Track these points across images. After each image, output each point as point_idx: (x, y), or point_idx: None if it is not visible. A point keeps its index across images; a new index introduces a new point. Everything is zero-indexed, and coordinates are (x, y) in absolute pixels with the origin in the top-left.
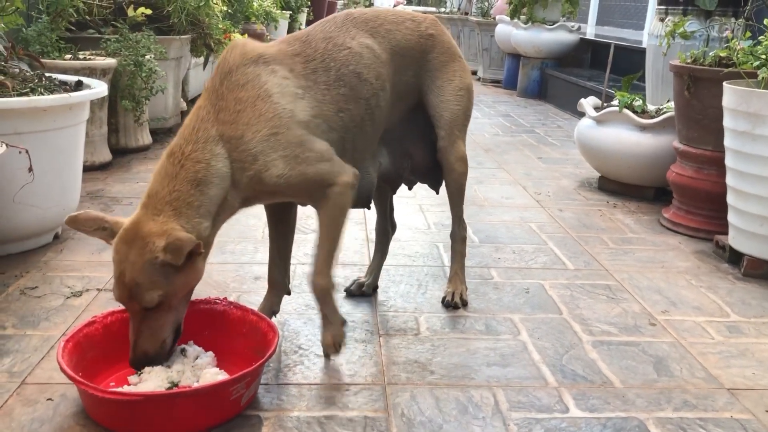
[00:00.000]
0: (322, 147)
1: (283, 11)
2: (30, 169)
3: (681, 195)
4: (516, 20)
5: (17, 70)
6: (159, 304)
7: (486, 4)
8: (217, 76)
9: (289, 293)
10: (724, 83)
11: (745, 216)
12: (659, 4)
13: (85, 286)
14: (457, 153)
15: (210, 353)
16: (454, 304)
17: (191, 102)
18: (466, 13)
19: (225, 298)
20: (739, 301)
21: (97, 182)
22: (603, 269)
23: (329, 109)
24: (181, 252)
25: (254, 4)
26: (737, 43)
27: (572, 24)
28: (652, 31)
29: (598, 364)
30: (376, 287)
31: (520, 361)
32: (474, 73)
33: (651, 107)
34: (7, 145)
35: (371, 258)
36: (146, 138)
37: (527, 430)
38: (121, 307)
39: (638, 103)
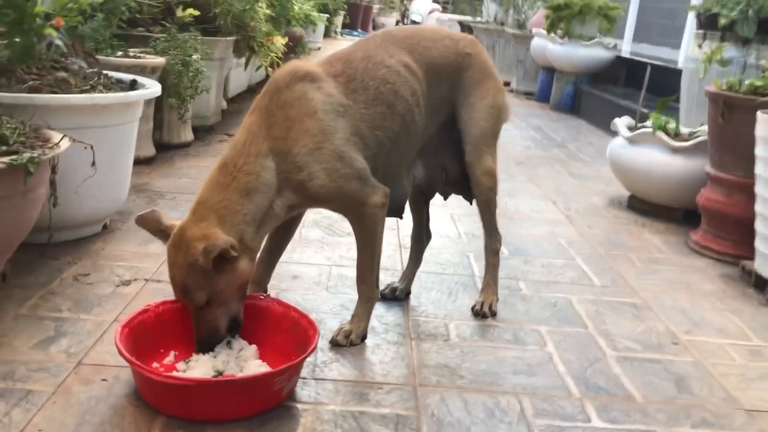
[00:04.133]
0: (359, 165)
1: (321, 14)
2: (93, 164)
3: (710, 219)
4: (552, 35)
5: (77, 67)
6: (208, 302)
7: (523, 16)
8: (267, 94)
9: (265, 291)
10: (758, 112)
11: None
12: (698, 28)
13: (134, 275)
14: (484, 167)
15: (253, 346)
16: (483, 313)
17: (232, 101)
18: (502, 24)
19: (268, 294)
20: (762, 326)
21: (141, 176)
22: (629, 287)
23: (366, 127)
24: (209, 256)
25: (295, 7)
26: None
27: (609, 41)
28: (689, 54)
29: (621, 378)
30: (409, 293)
31: (545, 372)
32: (507, 84)
33: (684, 130)
34: (73, 139)
35: (405, 264)
36: (189, 135)
37: None
38: (172, 297)
39: (672, 125)
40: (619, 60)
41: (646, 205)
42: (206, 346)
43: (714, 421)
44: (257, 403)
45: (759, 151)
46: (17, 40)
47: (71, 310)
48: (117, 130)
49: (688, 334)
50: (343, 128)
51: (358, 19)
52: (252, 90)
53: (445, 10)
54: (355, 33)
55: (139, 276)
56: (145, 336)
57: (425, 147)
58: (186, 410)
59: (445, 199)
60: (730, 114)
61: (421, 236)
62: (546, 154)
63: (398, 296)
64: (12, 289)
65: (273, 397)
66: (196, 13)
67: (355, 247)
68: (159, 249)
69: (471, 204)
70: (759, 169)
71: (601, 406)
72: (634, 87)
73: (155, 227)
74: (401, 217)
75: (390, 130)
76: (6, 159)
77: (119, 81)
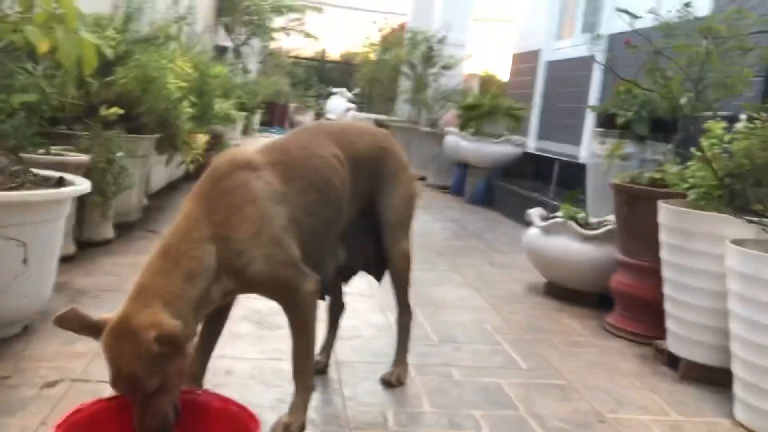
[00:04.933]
0: (294, 252)
1: (240, 112)
2: (25, 261)
3: (622, 302)
4: (464, 132)
5: (1, 165)
6: (157, 391)
7: (434, 115)
8: (208, 182)
9: (201, 386)
10: (659, 202)
11: (682, 323)
12: (597, 126)
13: (59, 376)
14: (401, 250)
15: None
16: (391, 382)
17: (152, 197)
18: (416, 123)
19: (205, 389)
20: (678, 402)
21: (62, 274)
22: (554, 369)
23: (302, 213)
24: (176, 343)
25: (216, 107)
26: (669, 166)
27: (516, 138)
28: (592, 150)
29: None
30: (328, 365)
31: None
32: (423, 178)
33: (592, 220)
34: (6, 237)
35: (325, 337)
36: (110, 232)
37: None
38: (105, 396)
39: (581, 215)
40: (527, 156)
41: (562, 291)
42: None
43: None
44: None
45: (663, 237)
46: None
47: None
48: (46, 226)
49: (612, 413)
50: (281, 215)
51: (275, 117)
52: (172, 186)
53: (360, 109)
54: (273, 130)
55: (65, 376)
56: None
57: (346, 232)
58: None
59: (354, 277)
60: (634, 204)
61: (336, 309)
62: (465, 244)
63: (320, 369)
64: None
65: None
66: (121, 111)
67: (288, 340)
68: (85, 347)
69: (379, 283)
70: (664, 254)
71: None
72: (542, 180)
73: (80, 325)
74: (324, 299)
75: (323, 216)
76: None
77: (46, 178)
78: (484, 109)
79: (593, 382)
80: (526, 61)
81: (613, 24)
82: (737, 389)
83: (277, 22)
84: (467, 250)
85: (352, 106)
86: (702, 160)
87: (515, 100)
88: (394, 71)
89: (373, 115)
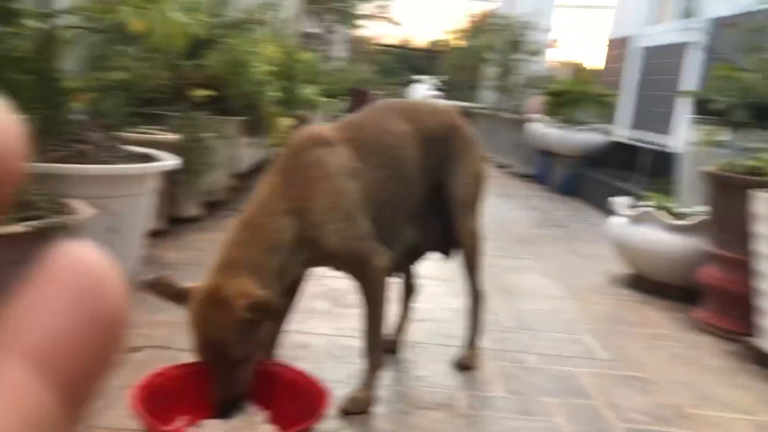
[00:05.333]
0: (366, 227)
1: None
2: (113, 230)
3: (712, 296)
4: (550, 119)
5: (96, 141)
6: (240, 360)
7: (520, 102)
8: (286, 158)
9: (274, 357)
10: (754, 191)
11: None
12: (694, 113)
13: (144, 342)
14: (469, 229)
15: (265, 412)
16: (464, 365)
17: (240, 178)
18: (500, 110)
19: (278, 361)
20: (764, 400)
21: (152, 248)
22: (634, 361)
23: (374, 188)
24: (266, 311)
25: (301, 92)
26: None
27: (604, 126)
28: (687, 138)
29: None
30: (401, 345)
31: None
32: (506, 167)
33: (683, 209)
34: (95, 207)
35: (398, 318)
36: (198, 209)
37: None
38: (183, 362)
39: (671, 205)
40: (615, 144)
41: (648, 283)
42: (229, 407)
43: None
44: None
45: (758, 228)
46: (44, 112)
47: None
48: (132, 200)
49: (695, 408)
50: (355, 190)
51: (358, 104)
52: (259, 167)
53: (443, 96)
54: None
55: (149, 343)
56: (156, 400)
57: (416, 210)
58: None
59: (426, 257)
60: (728, 194)
61: (409, 291)
62: (548, 233)
63: (392, 349)
64: None
65: None
66: (210, 93)
67: (361, 319)
68: (168, 317)
69: (448, 257)
70: (758, 246)
71: None
72: (630, 170)
73: (168, 291)
74: (392, 276)
75: (394, 192)
76: (35, 223)
77: (136, 155)
78: (571, 96)
79: (676, 377)
80: (618, 47)
81: (711, 8)
82: None
83: (364, 8)
84: (549, 238)
85: (435, 93)
86: None
87: (608, 88)
88: (478, 58)
89: (455, 102)
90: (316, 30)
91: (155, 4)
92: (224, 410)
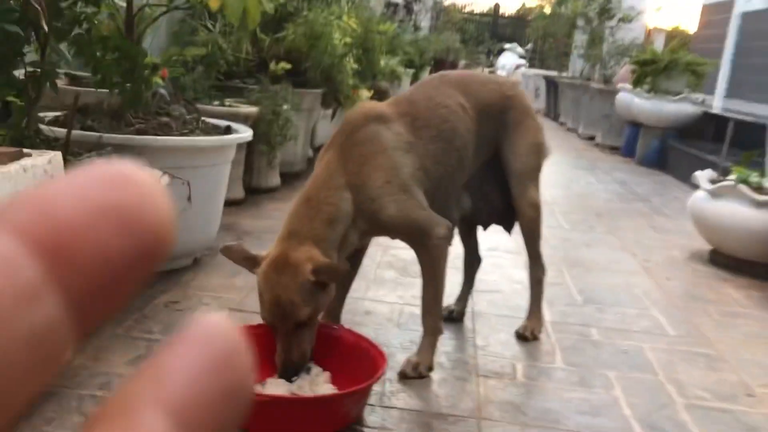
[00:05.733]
0: (422, 199)
1: (407, 69)
2: (189, 198)
3: None
4: (638, 89)
5: (178, 114)
6: (307, 320)
7: (609, 71)
8: (343, 133)
9: (338, 321)
10: None
11: None
12: None
13: (219, 305)
14: (528, 199)
15: (327, 372)
16: (525, 336)
17: (317, 149)
18: (588, 79)
19: (341, 325)
20: None
21: (231, 216)
22: (705, 338)
23: (430, 161)
24: (331, 275)
25: (381, 63)
26: None
27: (696, 96)
28: None
29: (688, 425)
30: (464, 314)
31: (610, 414)
32: (592, 138)
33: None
34: (171, 176)
35: (461, 288)
36: (276, 180)
37: None
38: (250, 324)
39: (755, 179)
40: (707, 116)
41: (728, 260)
42: (293, 369)
43: None
44: (328, 424)
45: None
46: (128, 87)
47: (161, 333)
48: (211, 170)
49: (763, 387)
50: (410, 163)
51: None
52: None
53: (532, 65)
54: None
55: (224, 305)
56: None
57: (471, 181)
58: (262, 427)
59: (485, 229)
60: None
61: (472, 261)
62: (628, 206)
63: (455, 317)
64: None
65: (341, 420)
66: (288, 66)
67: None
68: (242, 282)
69: (510, 234)
70: None
71: None
72: (722, 142)
73: (241, 256)
74: (450, 245)
75: (448, 164)
76: None
77: (215, 126)
78: (661, 65)
79: (747, 355)
80: (717, 12)
81: None
82: None
83: None
84: (629, 212)
85: (523, 62)
86: None
87: (702, 56)
88: (568, 25)
89: (542, 71)
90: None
91: None
92: (288, 371)
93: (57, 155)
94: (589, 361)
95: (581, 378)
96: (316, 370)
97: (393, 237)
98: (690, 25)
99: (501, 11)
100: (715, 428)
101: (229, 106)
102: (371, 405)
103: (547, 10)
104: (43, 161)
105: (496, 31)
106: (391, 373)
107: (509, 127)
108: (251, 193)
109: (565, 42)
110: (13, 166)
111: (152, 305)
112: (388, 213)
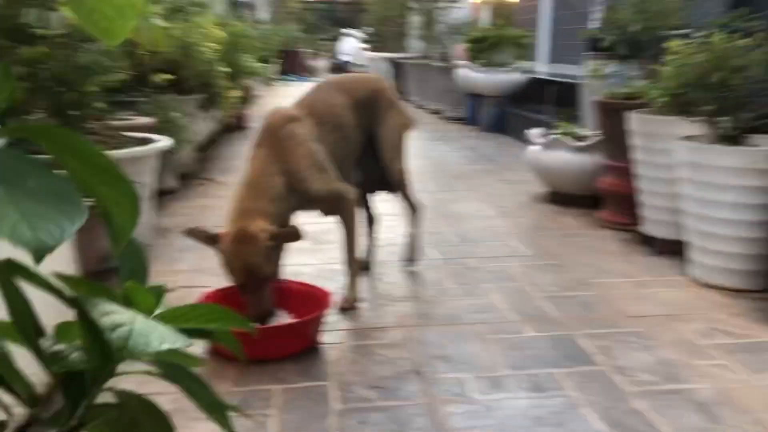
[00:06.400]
0: (335, 173)
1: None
2: (147, 197)
3: (609, 199)
4: (473, 64)
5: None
6: (271, 275)
7: (446, 49)
8: (268, 133)
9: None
10: (629, 113)
11: (652, 208)
12: (589, 49)
13: (172, 285)
14: (397, 167)
15: (287, 313)
16: (410, 259)
17: (201, 150)
18: (428, 57)
19: (288, 279)
20: (647, 269)
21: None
22: (551, 254)
23: (332, 147)
24: (282, 239)
25: (245, 63)
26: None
27: (525, 64)
28: (584, 71)
29: (544, 308)
30: (370, 264)
31: (491, 311)
32: (438, 112)
33: (585, 133)
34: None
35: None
36: (173, 181)
37: None
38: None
39: (574, 130)
40: (534, 81)
41: (563, 197)
42: (264, 315)
43: (607, 323)
44: (297, 345)
45: (635, 141)
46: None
47: None
48: (142, 177)
49: (594, 278)
50: (321, 149)
51: (291, 65)
52: (213, 140)
53: (375, 49)
54: (291, 78)
55: (176, 285)
56: None
57: (360, 159)
58: (253, 352)
59: (373, 194)
60: (612, 116)
61: (370, 220)
62: (479, 167)
63: (367, 267)
64: None
65: (307, 341)
66: (171, 77)
67: (337, 251)
68: (186, 265)
69: (395, 194)
70: (637, 155)
71: (537, 326)
72: (548, 103)
73: (203, 235)
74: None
75: (344, 148)
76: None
77: (138, 139)
78: (490, 41)
79: (582, 260)
80: None
81: None
82: (692, 254)
83: None
84: (481, 172)
85: (365, 46)
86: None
87: (525, 27)
88: (402, 8)
89: (386, 54)
90: None
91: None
92: (260, 318)
93: None
94: (472, 280)
95: (468, 292)
96: (279, 313)
97: (315, 208)
98: None
99: None
100: (563, 308)
101: (127, 119)
102: (324, 331)
103: None
104: None
105: (334, 17)
106: (332, 310)
107: (379, 114)
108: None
109: (402, 24)
110: None
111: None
112: (315, 187)
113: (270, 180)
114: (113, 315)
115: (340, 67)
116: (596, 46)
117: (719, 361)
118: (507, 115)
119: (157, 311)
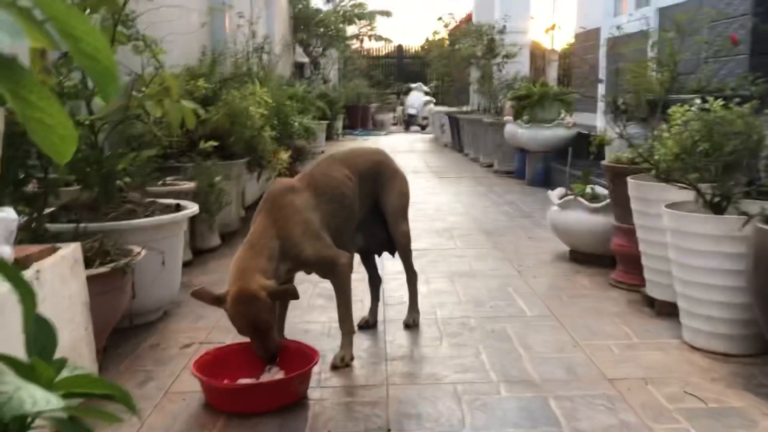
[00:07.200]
0: (328, 240)
1: (321, 121)
2: (163, 263)
3: (620, 259)
4: (519, 121)
5: (136, 200)
6: (269, 326)
7: (499, 105)
8: (268, 202)
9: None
10: (628, 178)
11: (653, 271)
12: (605, 113)
13: (191, 341)
14: (401, 231)
15: (280, 369)
16: (407, 324)
17: (248, 208)
18: (485, 111)
19: (285, 337)
20: (643, 331)
21: (184, 275)
22: (552, 315)
23: (329, 216)
24: (279, 295)
25: (295, 124)
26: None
27: (568, 120)
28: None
29: (528, 370)
30: (376, 322)
31: (476, 370)
32: (490, 166)
33: (601, 193)
34: (148, 248)
35: (370, 302)
36: (216, 240)
37: None
38: (223, 345)
39: (590, 191)
40: (581, 136)
41: (581, 256)
42: (274, 355)
43: (582, 386)
44: (284, 399)
45: (632, 205)
46: (97, 188)
47: (154, 365)
48: (171, 241)
49: (584, 340)
50: (316, 218)
51: (357, 119)
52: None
53: (436, 103)
54: (356, 132)
55: (195, 341)
56: (206, 369)
57: (362, 224)
58: (238, 407)
59: (379, 256)
60: (618, 179)
61: (374, 281)
62: (514, 224)
63: (370, 325)
64: (111, 356)
65: (294, 396)
66: (216, 143)
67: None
68: (205, 324)
69: (393, 256)
70: (635, 218)
71: (513, 387)
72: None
73: (209, 297)
74: (352, 270)
75: (342, 216)
76: (111, 264)
77: (168, 206)
78: (534, 98)
79: (580, 322)
80: (588, 39)
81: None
82: (682, 318)
83: (350, 30)
84: (514, 228)
85: (430, 99)
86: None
87: (584, 78)
88: (463, 63)
89: (446, 108)
90: (306, 59)
91: (167, 95)
92: (272, 357)
93: (77, 245)
94: (466, 340)
95: (458, 352)
96: (274, 369)
97: (309, 271)
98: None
99: (405, 53)
100: (545, 369)
101: (171, 184)
102: (313, 387)
103: (445, 47)
104: (69, 251)
105: (401, 71)
106: (325, 366)
107: (382, 183)
108: (197, 254)
109: (463, 79)
110: (55, 258)
111: (141, 348)
112: (307, 253)
113: (267, 243)
114: (2, 385)
115: (406, 122)
116: (617, 107)
117: (682, 426)
118: (552, 169)
119: (58, 379)
